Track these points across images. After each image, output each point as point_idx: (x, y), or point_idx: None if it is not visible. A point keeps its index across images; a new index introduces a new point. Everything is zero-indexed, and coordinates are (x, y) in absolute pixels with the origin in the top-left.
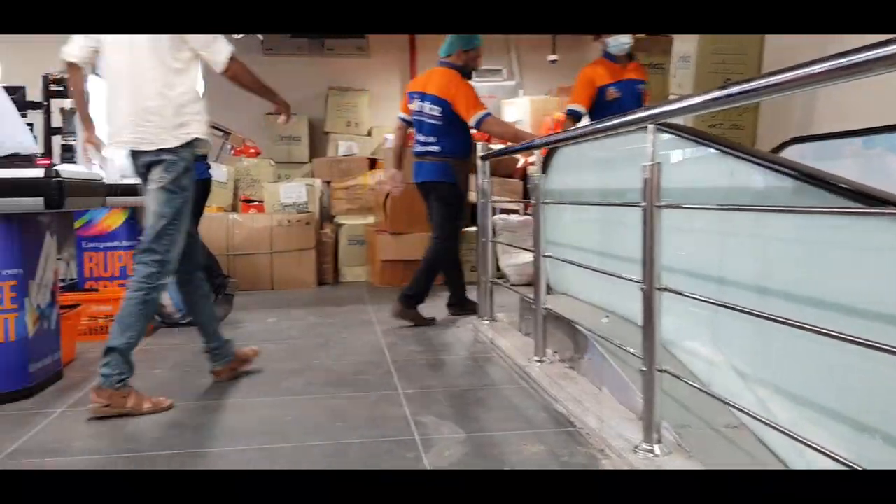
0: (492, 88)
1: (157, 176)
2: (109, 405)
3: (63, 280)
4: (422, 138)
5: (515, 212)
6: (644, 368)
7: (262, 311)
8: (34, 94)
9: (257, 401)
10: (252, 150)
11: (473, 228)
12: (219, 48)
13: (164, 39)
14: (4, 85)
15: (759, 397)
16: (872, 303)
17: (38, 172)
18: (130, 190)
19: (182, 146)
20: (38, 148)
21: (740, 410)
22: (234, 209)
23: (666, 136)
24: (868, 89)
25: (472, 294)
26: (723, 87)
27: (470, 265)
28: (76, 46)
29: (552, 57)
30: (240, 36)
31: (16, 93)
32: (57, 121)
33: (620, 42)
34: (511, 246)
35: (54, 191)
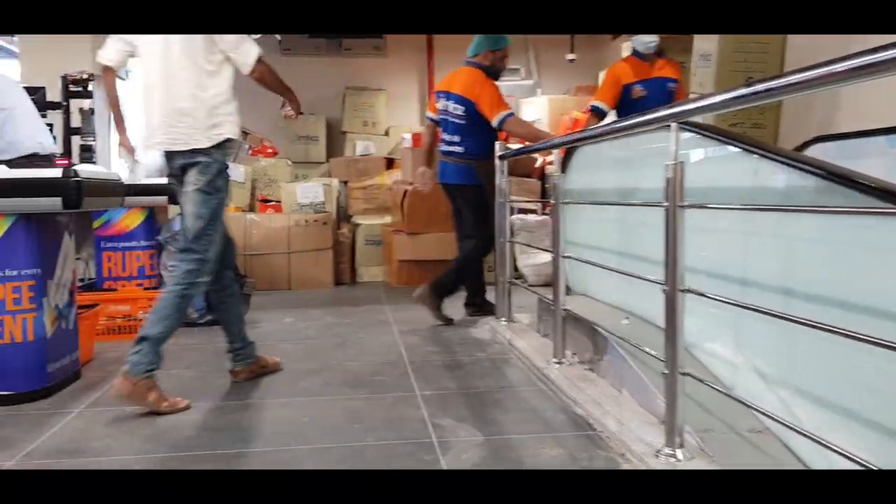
0: (510, 87)
1: (193, 178)
2: (133, 394)
3: (81, 280)
4: (447, 137)
5: (533, 212)
6: (666, 371)
7: (280, 310)
8: (54, 94)
9: (275, 401)
10: (269, 150)
11: None
12: (247, 49)
13: (197, 41)
14: (25, 85)
15: (784, 400)
16: None
17: (56, 172)
18: (148, 190)
19: (214, 147)
20: (57, 148)
21: (764, 414)
22: (251, 209)
23: (688, 134)
24: (887, 88)
25: (489, 295)
26: (747, 85)
27: (487, 265)
28: (112, 50)
29: (570, 56)
30: (257, 36)
31: (36, 93)
32: (76, 121)
33: (644, 41)
34: (529, 246)
35: (72, 191)
